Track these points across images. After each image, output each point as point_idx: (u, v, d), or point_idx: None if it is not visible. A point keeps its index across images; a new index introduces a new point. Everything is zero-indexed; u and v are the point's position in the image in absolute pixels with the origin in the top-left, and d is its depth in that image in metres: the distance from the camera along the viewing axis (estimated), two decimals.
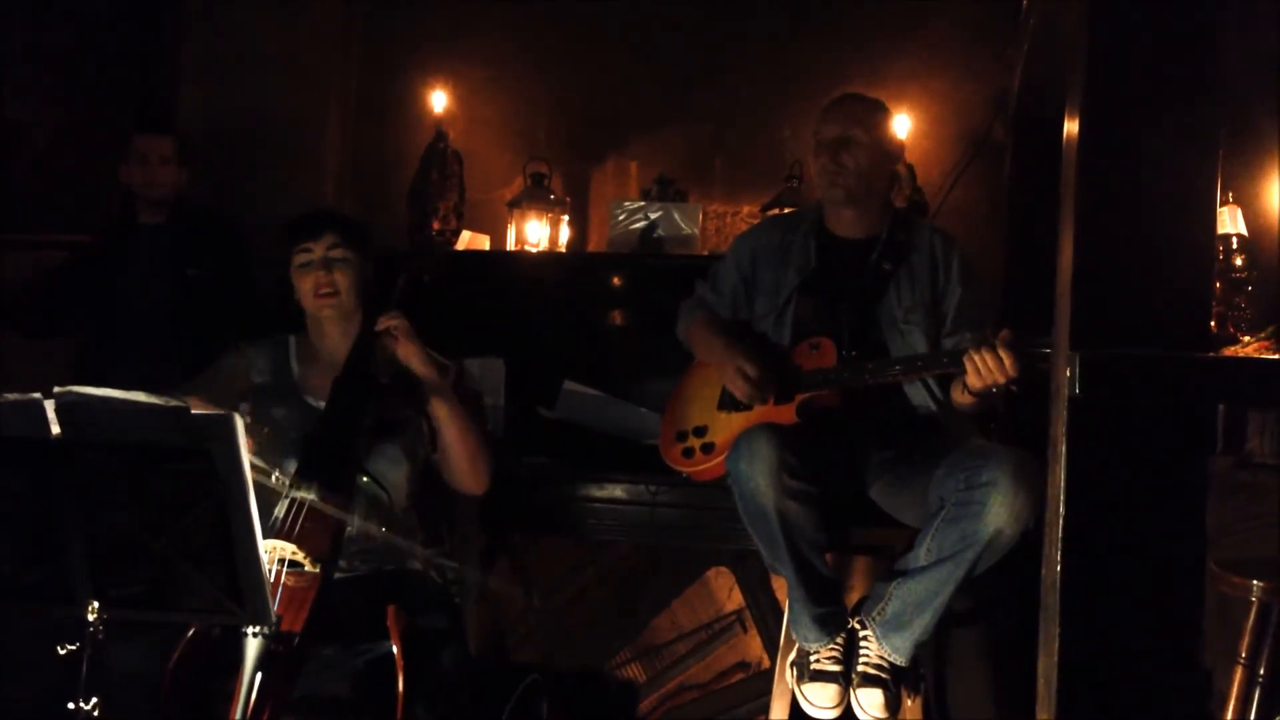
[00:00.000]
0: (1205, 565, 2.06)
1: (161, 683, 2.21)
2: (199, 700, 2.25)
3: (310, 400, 2.62)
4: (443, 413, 2.59)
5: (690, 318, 3.12)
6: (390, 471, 2.56)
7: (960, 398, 2.74)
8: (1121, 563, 1.67)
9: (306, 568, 2.24)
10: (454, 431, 2.60)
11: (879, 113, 2.98)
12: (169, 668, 2.21)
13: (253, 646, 2.00)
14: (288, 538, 2.25)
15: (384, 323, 2.57)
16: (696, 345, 3.07)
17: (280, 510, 2.32)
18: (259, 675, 1.97)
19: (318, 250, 2.64)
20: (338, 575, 2.38)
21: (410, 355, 2.57)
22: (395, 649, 2.27)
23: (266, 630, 1.97)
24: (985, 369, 2.52)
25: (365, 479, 2.51)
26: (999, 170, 4.01)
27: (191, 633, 2.24)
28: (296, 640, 2.14)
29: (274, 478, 2.32)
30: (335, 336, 2.67)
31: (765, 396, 2.80)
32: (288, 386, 2.66)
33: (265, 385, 2.67)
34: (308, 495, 2.27)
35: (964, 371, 2.57)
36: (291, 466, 2.44)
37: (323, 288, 2.63)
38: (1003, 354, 2.50)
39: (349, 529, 2.40)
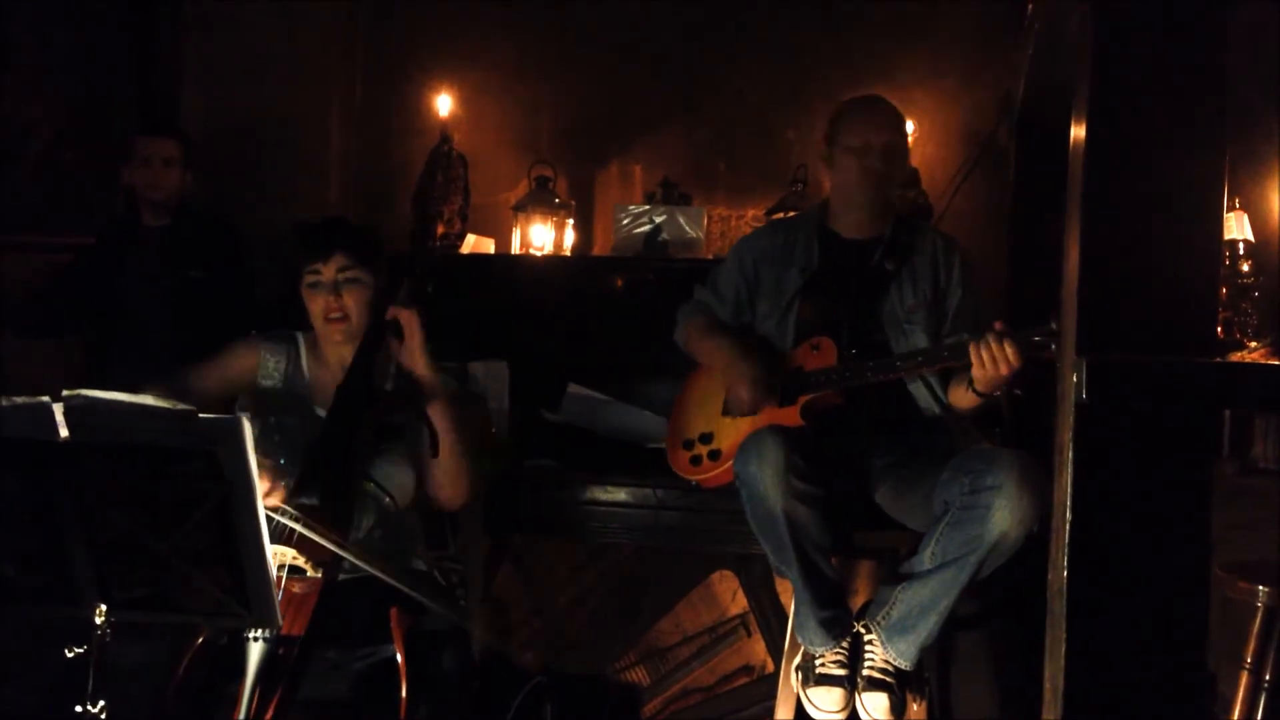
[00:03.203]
0: (1210, 570, 2.06)
1: (169, 688, 2.20)
2: (203, 706, 2.25)
3: (319, 411, 2.60)
4: (437, 418, 2.56)
5: (688, 323, 3.12)
6: (394, 475, 2.55)
7: (959, 399, 2.74)
8: (1127, 567, 1.67)
9: (309, 573, 2.24)
10: (444, 447, 2.57)
11: (905, 122, 3.01)
12: (177, 674, 2.21)
13: (255, 651, 2.00)
14: (289, 543, 2.25)
15: (395, 310, 2.50)
16: (697, 351, 3.07)
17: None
18: (262, 680, 1.97)
19: (327, 273, 2.58)
20: (340, 577, 2.37)
21: (415, 354, 2.51)
22: (398, 652, 2.27)
23: (269, 635, 1.97)
24: (990, 360, 2.53)
25: (369, 483, 2.50)
26: (1004, 174, 4.01)
27: (200, 640, 2.24)
28: (299, 645, 2.14)
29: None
30: (342, 347, 2.64)
31: (768, 403, 2.80)
32: (299, 396, 2.64)
33: (275, 390, 2.65)
34: (302, 524, 2.26)
35: (968, 365, 2.58)
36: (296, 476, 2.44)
37: (333, 312, 2.58)
38: (1006, 344, 2.51)
39: (353, 533, 2.40)
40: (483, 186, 4.24)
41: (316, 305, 2.60)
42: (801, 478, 2.52)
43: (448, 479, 2.59)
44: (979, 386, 2.63)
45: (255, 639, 2.00)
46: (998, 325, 2.55)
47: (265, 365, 2.67)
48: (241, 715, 2.00)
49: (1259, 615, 2.52)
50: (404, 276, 2.68)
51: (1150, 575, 1.67)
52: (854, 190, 2.93)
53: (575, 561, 3.50)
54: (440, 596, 2.54)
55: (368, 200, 4.36)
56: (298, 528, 2.20)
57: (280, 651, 2.07)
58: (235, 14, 4.25)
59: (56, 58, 4.29)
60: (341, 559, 2.35)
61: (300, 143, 4.24)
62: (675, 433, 3.02)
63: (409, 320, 2.51)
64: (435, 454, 2.60)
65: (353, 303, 2.59)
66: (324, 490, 2.33)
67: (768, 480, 2.51)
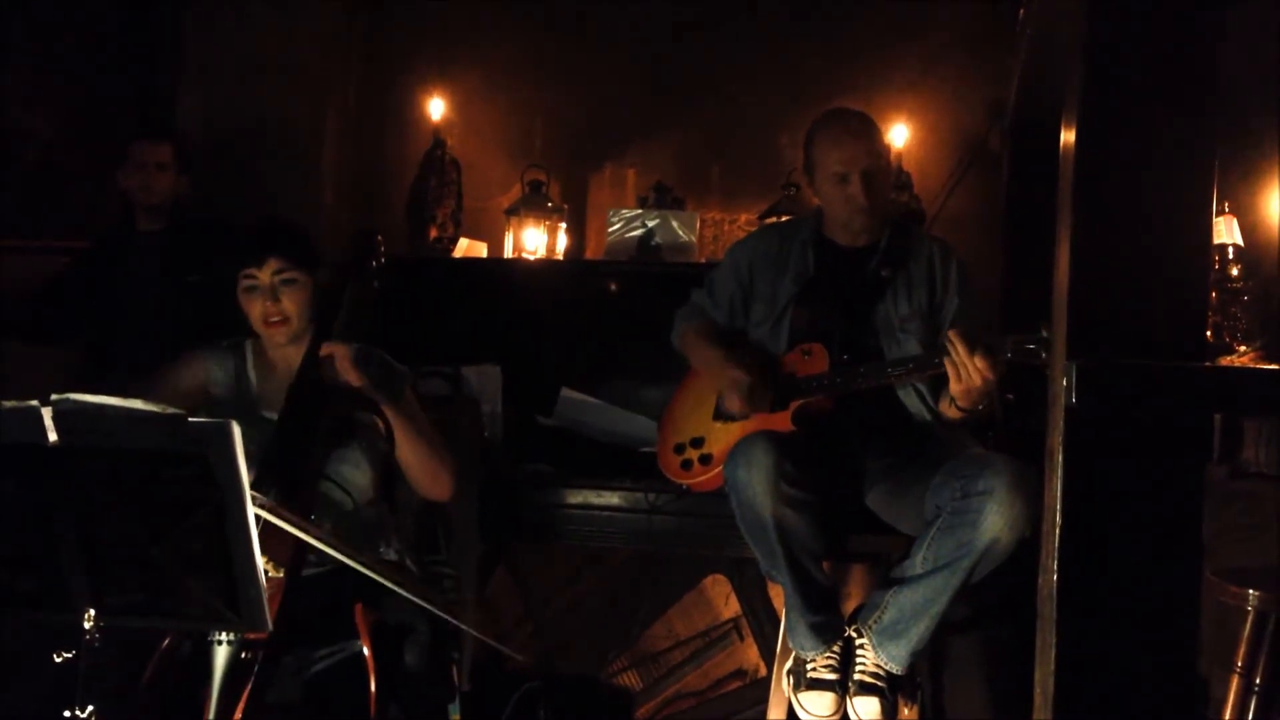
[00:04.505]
0: (1201, 574, 2.06)
1: (137, 700, 2.19)
2: (171, 711, 2.24)
3: (266, 414, 2.59)
4: (393, 425, 2.54)
5: (685, 326, 3.12)
6: (352, 474, 2.54)
7: (948, 410, 2.74)
8: (1118, 571, 1.67)
9: (270, 573, 2.23)
10: (406, 444, 2.56)
11: (881, 134, 3.00)
12: (143, 683, 2.20)
13: (221, 655, 1.99)
14: None
15: (325, 350, 2.49)
16: (691, 354, 3.08)
17: None
18: (228, 684, 1.97)
19: (263, 277, 2.57)
20: (306, 571, 2.36)
21: (352, 382, 2.50)
22: (365, 646, 2.26)
23: (232, 638, 1.97)
24: (965, 370, 2.53)
25: (326, 481, 2.50)
26: (996, 179, 4.02)
27: (165, 644, 2.23)
28: (264, 647, 2.13)
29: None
30: (289, 351, 2.63)
31: (761, 407, 2.80)
32: (245, 401, 2.63)
33: (222, 399, 2.63)
34: (266, 510, 2.25)
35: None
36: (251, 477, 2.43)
37: (272, 316, 2.57)
38: (977, 356, 2.51)
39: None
40: (476, 190, 4.24)
41: (255, 310, 2.59)
42: (792, 483, 2.52)
43: (423, 474, 2.60)
44: (959, 401, 2.63)
45: (220, 643, 2.00)
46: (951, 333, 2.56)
47: (213, 375, 2.66)
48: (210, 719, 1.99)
49: (1250, 619, 2.53)
50: (348, 278, 2.67)
51: (1141, 579, 1.67)
52: (842, 214, 2.93)
53: (568, 565, 3.50)
54: (413, 585, 2.53)
55: (362, 204, 4.35)
56: (265, 515, 2.20)
57: (245, 654, 2.06)
58: (232, 18, 4.24)
59: (54, 61, 4.29)
60: (304, 559, 2.34)
61: (296, 146, 4.23)
62: (666, 436, 3.02)
63: (340, 358, 2.49)
64: (392, 448, 2.59)
65: (291, 304, 2.58)
66: (281, 487, 2.32)
67: (757, 486, 2.51)
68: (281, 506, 2.24)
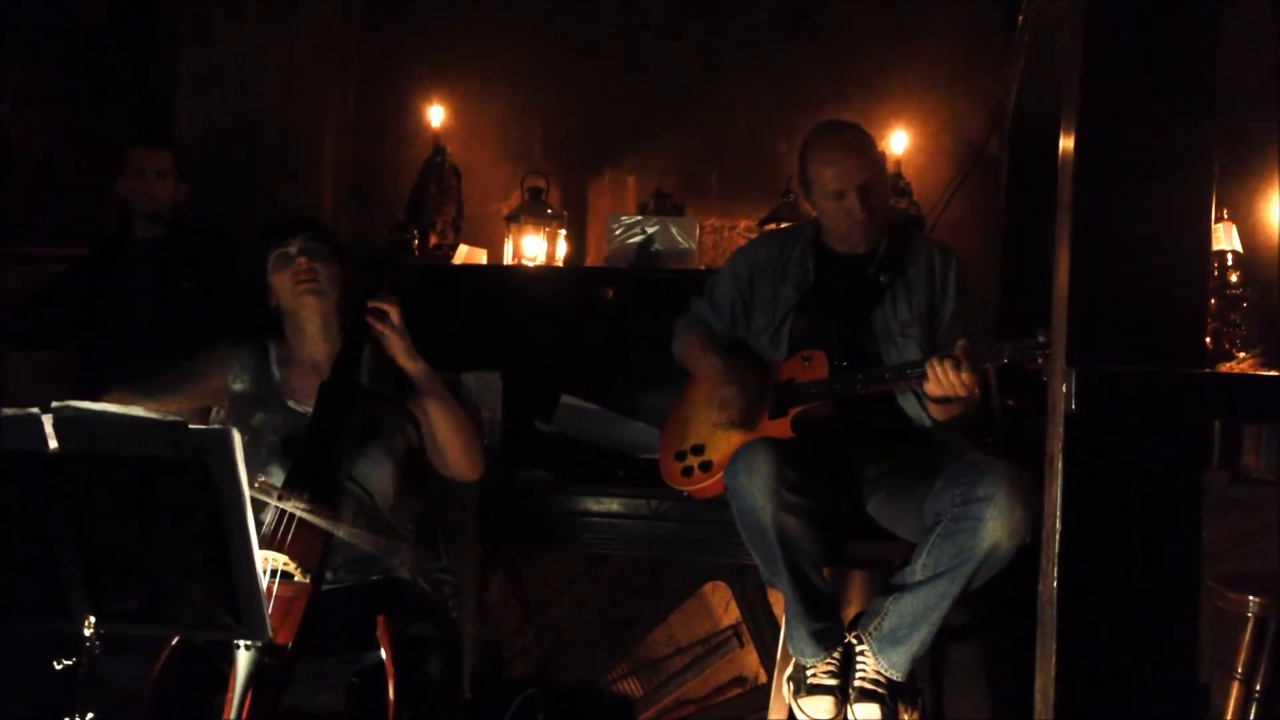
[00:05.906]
0: (1201, 580, 2.06)
1: (145, 696, 2.19)
2: (185, 714, 2.24)
3: (291, 404, 2.59)
4: (433, 403, 2.57)
5: (686, 335, 3.13)
6: (373, 474, 2.53)
7: (932, 410, 2.74)
8: (1118, 577, 1.67)
9: (297, 578, 2.23)
10: (446, 421, 2.58)
11: (876, 144, 3.01)
12: (152, 680, 2.20)
13: (244, 659, 1.99)
14: (278, 548, 2.24)
15: (377, 302, 2.54)
16: (691, 363, 3.08)
17: (269, 520, 2.30)
18: (250, 688, 1.97)
19: (293, 247, 2.62)
20: (325, 587, 2.36)
21: (396, 347, 2.55)
22: (386, 658, 2.26)
23: (258, 643, 1.97)
24: (944, 379, 2.54)
25: (349, 482, 2.49)
26: (996, 183, 4.02)
27: (175, 642, 2.22)
28: (287, 652, 2.13)
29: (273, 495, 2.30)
30: (315, 337, 2.64)
31: (761, 414, 2.81)
32: (268, 392, 2.63)
33: (245, 393, 2.63)
34: (298, 506, 2.26)
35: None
36: (273, 473, 2.43)
37: (303, 274, 2.59)
38: (963, 370, 2.52)
39: (337, 536, 2.38)
40: (475, 197, 4.23)
41: (286, 278, 2.62)
42: (792, 490, 2.52)
43: (460, 452, 2.61)
44: (933, 409, 2.66)
45: (244, 648, 2.00)
46: (961, 344, 2.57)
47: (232, 368, 2.65)
48: None
49: (1250, 625, 2.53)
50: (385, 268, 2.68)
51: (1141, 585, 1.67)
52: (840, 229, 2.94)
53: (568, 572, 3.50)
54: (423, 606, 2.53)
55: (361, 210, 4.35)
56: (298, 512, 2.21)
57: (267, 659, 2.06)
58: (229, 24, 4.24)
59: (51, 67, 4.29)
60: (325, 568, 2.34)
61: (294, 153, 4.23)
62: (668, 443, 3.02)
63: (390, 307, 2.54)
64: (420, 444, 2.61)
65: (322, 269, 2.62)
66: (314, 489, 2.32)
67: (758, 492, 2.51)
68: (314, 504, 2.27)
